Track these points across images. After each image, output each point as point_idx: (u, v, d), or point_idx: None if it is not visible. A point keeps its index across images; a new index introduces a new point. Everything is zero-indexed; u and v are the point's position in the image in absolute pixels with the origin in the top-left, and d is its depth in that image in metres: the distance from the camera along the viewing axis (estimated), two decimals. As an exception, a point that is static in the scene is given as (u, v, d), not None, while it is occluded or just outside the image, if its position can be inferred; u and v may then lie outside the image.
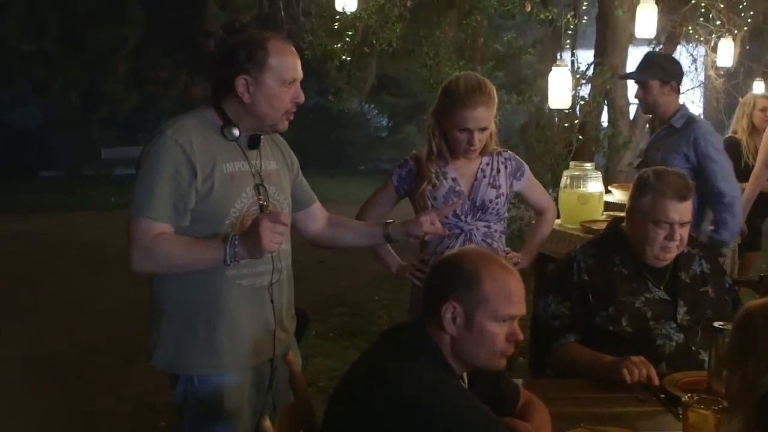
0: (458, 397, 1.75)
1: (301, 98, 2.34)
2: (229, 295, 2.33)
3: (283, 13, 15.51)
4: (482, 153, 3.04)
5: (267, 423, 1.78)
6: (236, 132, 2.32)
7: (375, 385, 1.74)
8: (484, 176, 3.05)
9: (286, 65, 2.30)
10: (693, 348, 2.59)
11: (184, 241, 2.24)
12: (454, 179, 3.03)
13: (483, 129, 2.93)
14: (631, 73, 4.25)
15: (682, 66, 4.33)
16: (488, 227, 3.06)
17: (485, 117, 2.90)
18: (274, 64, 2.27)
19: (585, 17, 7.05)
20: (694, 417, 1.88)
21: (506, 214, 3.17)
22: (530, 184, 3.25)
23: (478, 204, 3.02)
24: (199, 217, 2.27)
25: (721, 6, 6.56)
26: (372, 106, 22.33)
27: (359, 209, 3.19)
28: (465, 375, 1.94)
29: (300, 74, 2.36)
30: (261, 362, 2.45)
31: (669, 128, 3.97)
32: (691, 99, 8.00)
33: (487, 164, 3.07)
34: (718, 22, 6.64)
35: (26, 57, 17.49)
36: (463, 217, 3.02)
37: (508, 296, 1.84)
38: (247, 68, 2.26)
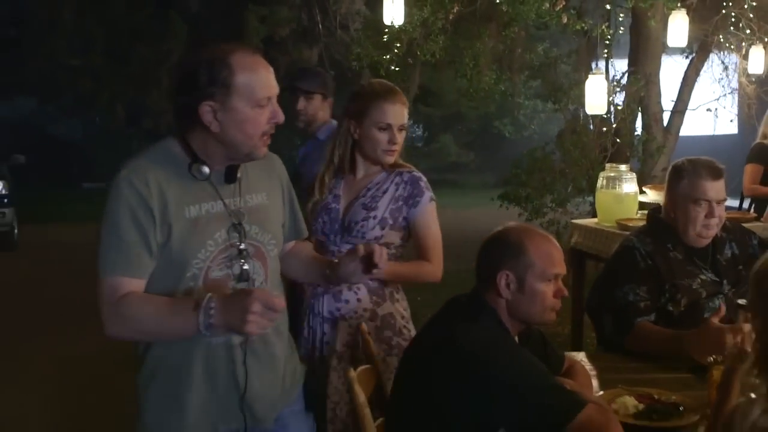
0: (516, 352, 2.06)
1: (281, 118, 2.02)
2: (197, 351, 2.03)
3: (320, 26, 15.87)
4: (384, 166, 2.86)
5: (353, 373, 2.10)
6: (206, 170, 2.00)
7: (443, 346, 2.05)
8: (364, 196, 2.82)
9: (257, 83, 1.97)
10: (732, 318, 2.81)
11: (153, 304, 1.96)
12: (336, 196, 2.85)
13: (402, 128, 2.78)
14: (298, 84, 4.02)
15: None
16: None
17: (404, 114, 2.78)
18: (242, 84, 1.94)
19: (621, 28, 7.31)
20: (718, 374, 2.15)
21: (384, 239, 2.79)
22: (423, 219, 2.85)
23: (345, 224, 2.81)
24: (155, 271, 1.99)
25: (751, 15, 6.78)
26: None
27: None
28: (516, 339, 2.24)
29: (275, 89, 2.02)
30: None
31: (316, 141, 3.95)
32: (723, 105, 8.19)
33: (377, 183, 2.85)
34: (748, 31, 6.86)
35: (74, 72, 18.07)
36: (332, 237, 2.84)
37: (551, 258, 2.16)
38: (211, 92, 1.93)
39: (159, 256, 1.96)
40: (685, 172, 2.92)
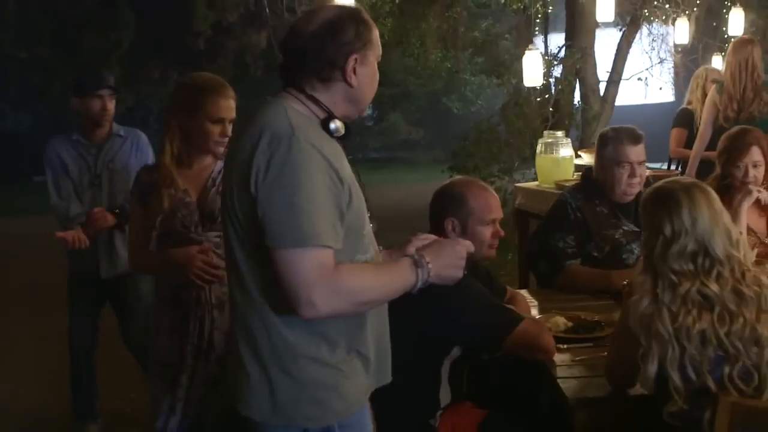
0: (463, 280, 2.49)
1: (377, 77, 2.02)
2: (371, 315, 1.97)
3: (267, 10, 16.13)
4: (216, 156, 2.87)
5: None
6: (341, 126, 1.90)
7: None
8: (214, 185, 2.82)
9: (378, 40, 1.98)
10: None
11: (370, 271, 1.87)
12: (184, 190, 2.81)
13: (231, 122, 2.81)
14: (108, 84, 4.02)
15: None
16: (220, 237, 2.64)
17: (233, 108, 2.82)
18: (374, 39, 1.95)
19: (550, 7, 7.80)
20: (626, 291, 2.62)
21: None
22: None
23: (206, 214, 2.80)
24: (345, 233, 1.84)
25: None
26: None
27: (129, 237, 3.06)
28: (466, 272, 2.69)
29: None
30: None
31: (117, 138, 4.03)
32: (652, 74, 8.75)
33: (219, 171, 2.79)
34: (667, 6, 7.40)
35: (21, 64, 18.07)
36: (192, 228, 2.79)
37: (489, 206, 2.62)
38: (357, 46, 1.89)
39: (347, 218, 1.84)
40: (609, 139, 3.39)
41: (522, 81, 8.60)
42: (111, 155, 3.98)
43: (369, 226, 1.96)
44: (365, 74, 1.91)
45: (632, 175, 3.33)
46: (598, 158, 3.44)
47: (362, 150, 23.45)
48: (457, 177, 2.77)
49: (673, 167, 6.17)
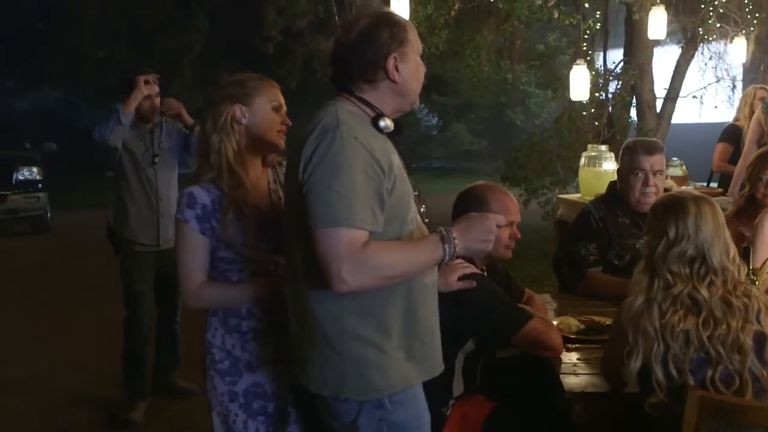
0: (478, 278, 2.66)
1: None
2: (419, 296, 2.14)
3: (337, 18, 16.50)
4: (265, 164, 2.63)
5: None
6: (390, 123, 2.12)
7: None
8: (279, 198, 2.59)
9: (417, 36, 2.20)
10: None
11: (396, 247, 2.03)
12: (255, 207, 2.51)
13: (286, 113, 2.61)
14: (152, 75, 4.47)
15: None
16: None
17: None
18: (412, 37, 2.15)
19: (598, 23, 7.87)
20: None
21: None
22: None
23: None
24: (386, 218, 2.03)
25: (728, 11, 7.33)
26: (422, 105, 23.17)
27: (185, 272, 2.50)
28: (485, 272, 2.86)
29: None
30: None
31: (163, 126, 4.52)
32: (707, 91, 8.74)
33: (274, 181, 2.64)
34: (719, 25, 7.40)
35: (99, 63, 18.74)
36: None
37: (507, 209, 2.78)
38: (394, 46, 2.10)
39: (387, 204, 2.02)
40: (627, 149, 3.55)
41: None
42: (160, 139, 4.51)
43: (414, 214, 2.14)
44: (407, 69, 2.12)
45: (646, 183, 3.45)
46: (618, 169, 3.59)
47: (425, 159, 23.64)
48: (480, 181, 2.94)
49: (714, 184, 6.21)
